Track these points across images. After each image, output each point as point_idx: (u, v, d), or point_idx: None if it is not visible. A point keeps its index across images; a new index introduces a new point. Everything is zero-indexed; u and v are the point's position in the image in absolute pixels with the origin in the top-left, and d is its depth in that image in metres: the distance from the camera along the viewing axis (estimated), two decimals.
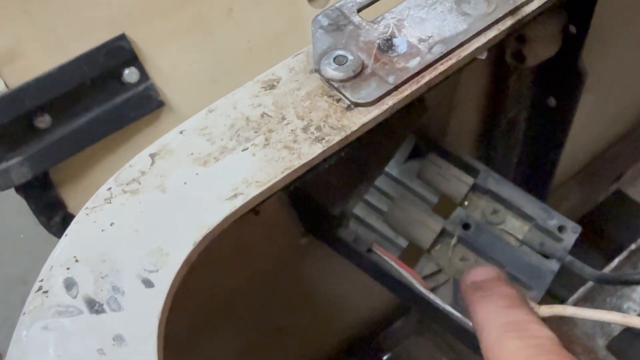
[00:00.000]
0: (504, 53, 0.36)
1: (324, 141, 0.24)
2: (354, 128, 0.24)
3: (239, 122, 0.25)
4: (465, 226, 0.35)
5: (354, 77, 0.25)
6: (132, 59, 0.46)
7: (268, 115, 0.25)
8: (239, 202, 0.22)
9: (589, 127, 0.61)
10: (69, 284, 0.21)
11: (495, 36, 0.26)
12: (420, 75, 0.25)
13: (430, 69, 0.25)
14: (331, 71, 0.25)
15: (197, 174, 0.23)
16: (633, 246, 0.67)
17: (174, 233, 0.22)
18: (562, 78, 0.37)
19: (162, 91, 0.49)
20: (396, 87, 0.25)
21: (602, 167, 0.71)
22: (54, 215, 0.49)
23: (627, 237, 0.71)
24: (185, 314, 0.27)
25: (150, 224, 0.22)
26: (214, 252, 0.23)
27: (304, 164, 0.23)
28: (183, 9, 0.48)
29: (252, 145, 0.24)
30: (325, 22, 0.27)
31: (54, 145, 0.45)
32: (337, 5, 0.27)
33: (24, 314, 0.20)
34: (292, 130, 0.24)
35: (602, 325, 0.66)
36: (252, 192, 0.22)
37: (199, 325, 0.40)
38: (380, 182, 0.38)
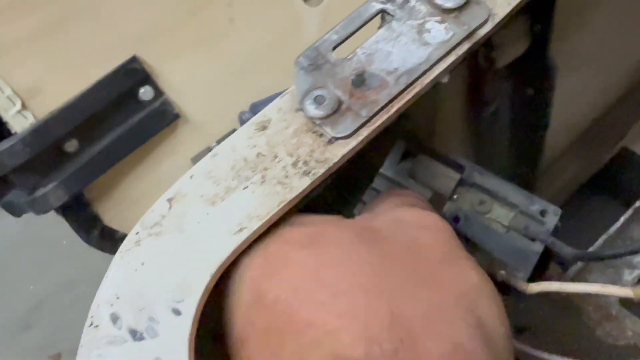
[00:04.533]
0: (477, 57, 0.39)
1: (310, 174, 0.28)
2: (336, 160, 0.28)
3: (238, 163, 0.29)
4: (455, 219, 0.38)
5: (332, 113, 0.28)
6: (146, 78, 0.51)
7: (262, 155, 0.29)
8: (244, 235, 0.27)
9: (581, 99, 0.63)
10: (114, 318, 0.25)
11: (454, 61, 0.29)
12: (390, 105, 0.29)
13: (398, 98, 0.29)
14: (312, 110, 0.29)
15: (207, 213, 0.27)
16: (638, 203, 0.69)
17: (193, 267, 0.26)
18: (535, 71, 0.40)
19: (177, 104, 0.53)
20: (369, 119, 0.28)
21: (602, 131, 0.73)
22: (93, 230, 0.54)
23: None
24: None
25: (173, 260, 0.27)
26: None
27: (296, 197, 0.27)
28: (186, 25, 0.52)
29: (251, 183, 0.28)
30: (305, 62, 0.30)
31: (84, 167, 0.50)
32: (315, 45, 0.31)
33: (81, 346, 0.25)
34: (283, 166, 0.28)
35: (614, 280, 0.69)
36: (254, 225, 0.27)
37: None
38: (378, 184, 0.41)
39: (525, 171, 0.49)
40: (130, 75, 0.50)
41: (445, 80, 0.30)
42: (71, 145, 0.49)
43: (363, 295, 0.23)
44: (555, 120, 0.48)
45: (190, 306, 0.25)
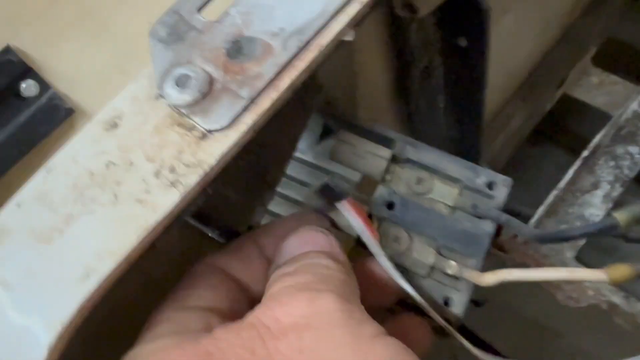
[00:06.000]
0: (394, 6, 0.32)
1: (180, 185, 0.20)
2: (213, 162, 0.20)
3: (82, 179, 0.21)
4: (390, 205, 0.32)
5: (202, 98, 0.21)
6: (26, 70, 0.43)
7: (114, 164, 0.21)
8: (93, 283, 0.19)
9: (518, 43, 0.58)
10: None
11: (358, 11, 0.22)
12: (278, 78, 0.21)
13: (289, 68, 0.21)
14: (175, 95, 0.21)
15: (41, 254, 0.20)
16: (586, 153, 0.65)
17: (23, 341, 0.18)
18: (466, 17, 0.34)
19: (69, 97, 0.45)
20: (252, 100, 0.21)
21: (542, 77, 0.68)
22: None
23: (583, 135, 0.70)
24: None
25: None
26: (120, 298, 0.20)
27: (162, 219, 0.20)
28: (62, 4, 0.43)
29: (99, 205, 0.20)
30: (162, 32, 0.23)
31: None
32: (174, 7, 0.23)
33: None
34: (142, 177, 0.20)
35: (566, 245, 0.65)
36: (105, 267, 0.19)
37: None
38: (295, 171, 0.34)
39: (468, 138, 0.43)
40: (6, 69, 0.42)
41: (350, 38, 0.22)
42: None
43: None
44: (493, 69, 0.42)
45: None
